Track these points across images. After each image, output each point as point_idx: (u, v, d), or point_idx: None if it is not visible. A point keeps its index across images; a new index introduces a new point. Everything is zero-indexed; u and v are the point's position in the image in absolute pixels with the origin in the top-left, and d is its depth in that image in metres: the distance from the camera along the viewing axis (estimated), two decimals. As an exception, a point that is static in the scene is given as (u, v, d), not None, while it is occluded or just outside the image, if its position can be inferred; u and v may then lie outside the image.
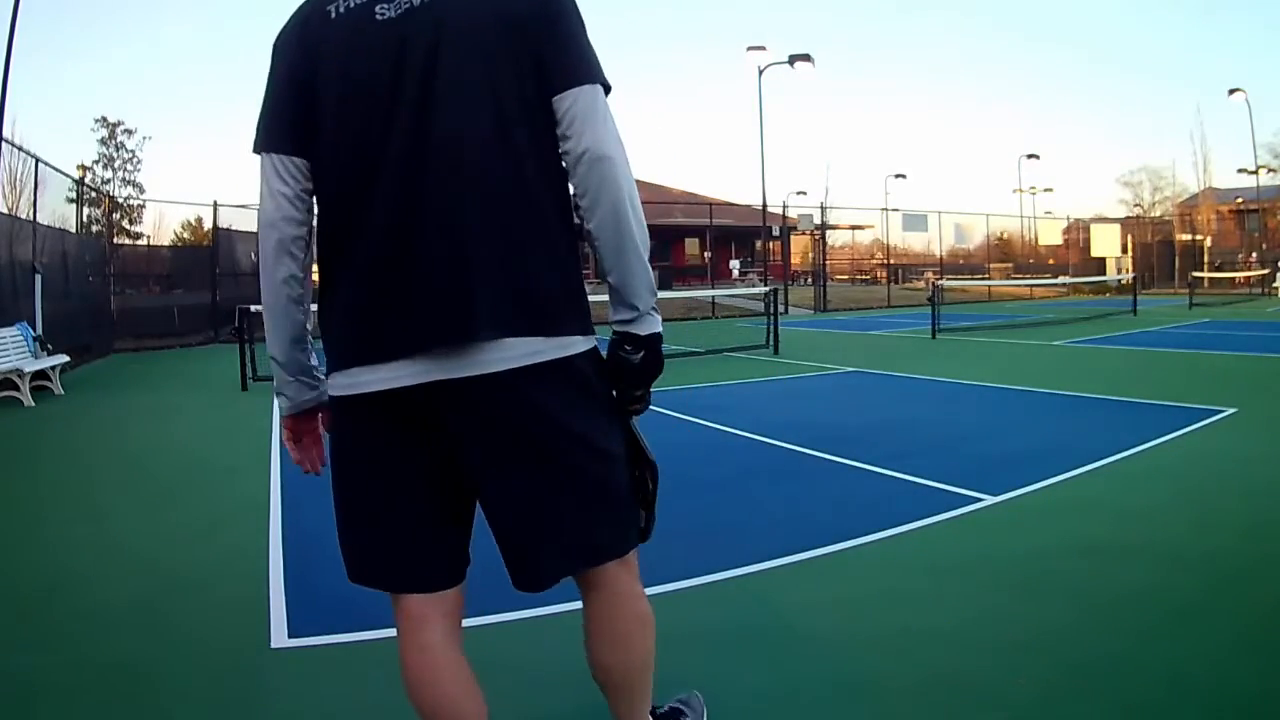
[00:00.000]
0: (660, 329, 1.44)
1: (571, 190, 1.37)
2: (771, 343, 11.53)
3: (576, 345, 1.38)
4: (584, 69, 1.35)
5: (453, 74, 1.31)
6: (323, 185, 1.39)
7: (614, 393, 1.45)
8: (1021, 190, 41.00)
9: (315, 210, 1.42)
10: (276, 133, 1.39)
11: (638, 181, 1.41)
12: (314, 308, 1.48)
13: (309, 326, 1.47)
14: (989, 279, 30.80)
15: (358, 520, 1.45)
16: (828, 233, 27.32)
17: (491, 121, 1.31)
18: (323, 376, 1.48)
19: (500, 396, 1.32)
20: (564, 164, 1.36)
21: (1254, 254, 31.16)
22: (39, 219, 11.15)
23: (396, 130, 1.31)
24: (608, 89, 1.38)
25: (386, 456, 1.39)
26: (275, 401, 1.53)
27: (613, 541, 1.46)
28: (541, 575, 1.42)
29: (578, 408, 1.38)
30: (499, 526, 1.41)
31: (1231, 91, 32.02)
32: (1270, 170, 33.73)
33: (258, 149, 1.40)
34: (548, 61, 1.33)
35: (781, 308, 12.74)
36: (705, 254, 29.46)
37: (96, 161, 29.37)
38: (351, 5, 1.35)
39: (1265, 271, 27.96)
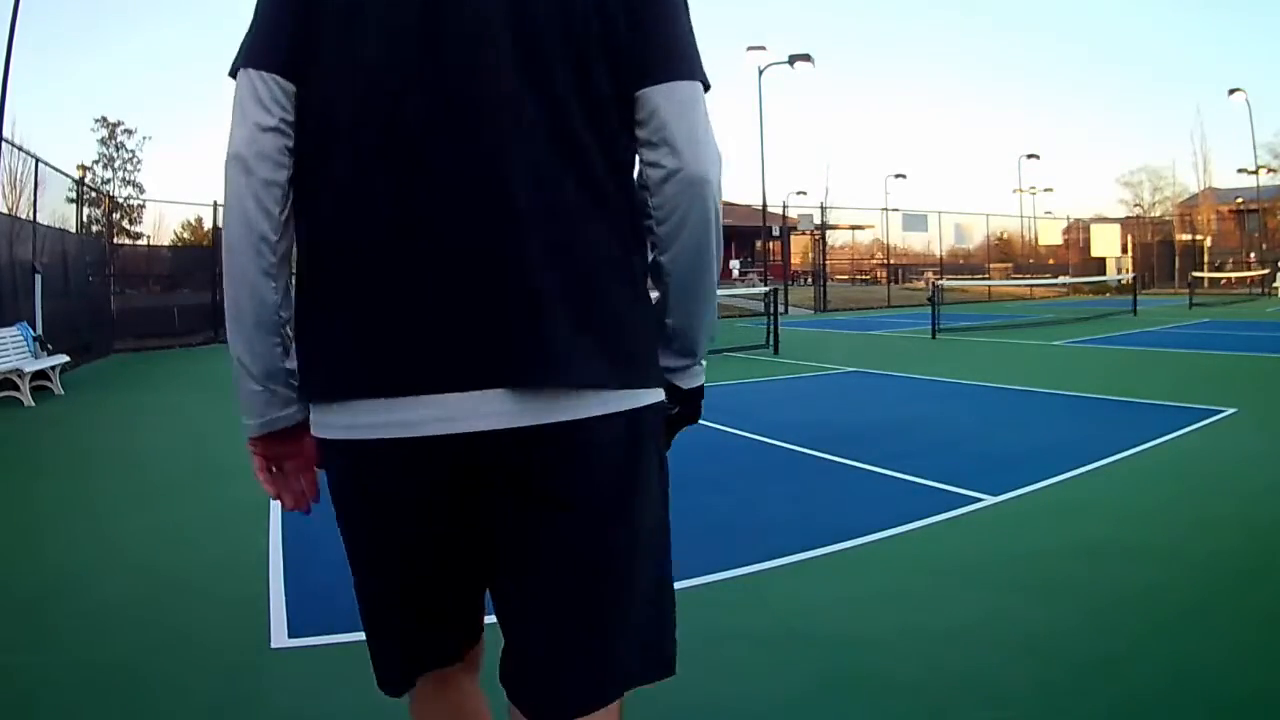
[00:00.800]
0: (703, 379, 1.21)
1: (644, 209, 1.06)
2: (771, 343, 11.54)
3: (656, 394, 1.10)
4: (684, 60, 1.05)
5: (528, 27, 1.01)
6: (313, 123, 1.04)
7: None
8: (1021, 190, 41.10)
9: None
10: (261, 44, 1.05)
11: None
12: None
13: (284, 314, 1.08)
14: (989, 279, 30.81)
15: (393, 613, 1.17)
16: (828, 233, 27.34)
17: (555, 100, 1.02)
18: None
19: (566, 450, 1.01)
20: (642, 178, 1.05)
21: (1253, 254, 31.15)
22: (39, 219, 11.16)
23: (423, 82, 1.01)
24: (707, 88, 1.08)
25: (411, 522, 1.06)
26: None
27: (652, 660, 1.13)
28: (569, 697, 1.05)
29: (651, 472, 1.09)
30: (527, 616, 1.07)
31: (1231, 91, 32.08)
32: (1270, 170, 33.76)
33: (234, 68, 1.05)
34: (632, 43, 1.03)
35: (781, 308, 12.75)
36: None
37: (96, 161, 29.39)
38: None
39: (1265, 271, 27.97)
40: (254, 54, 1.05)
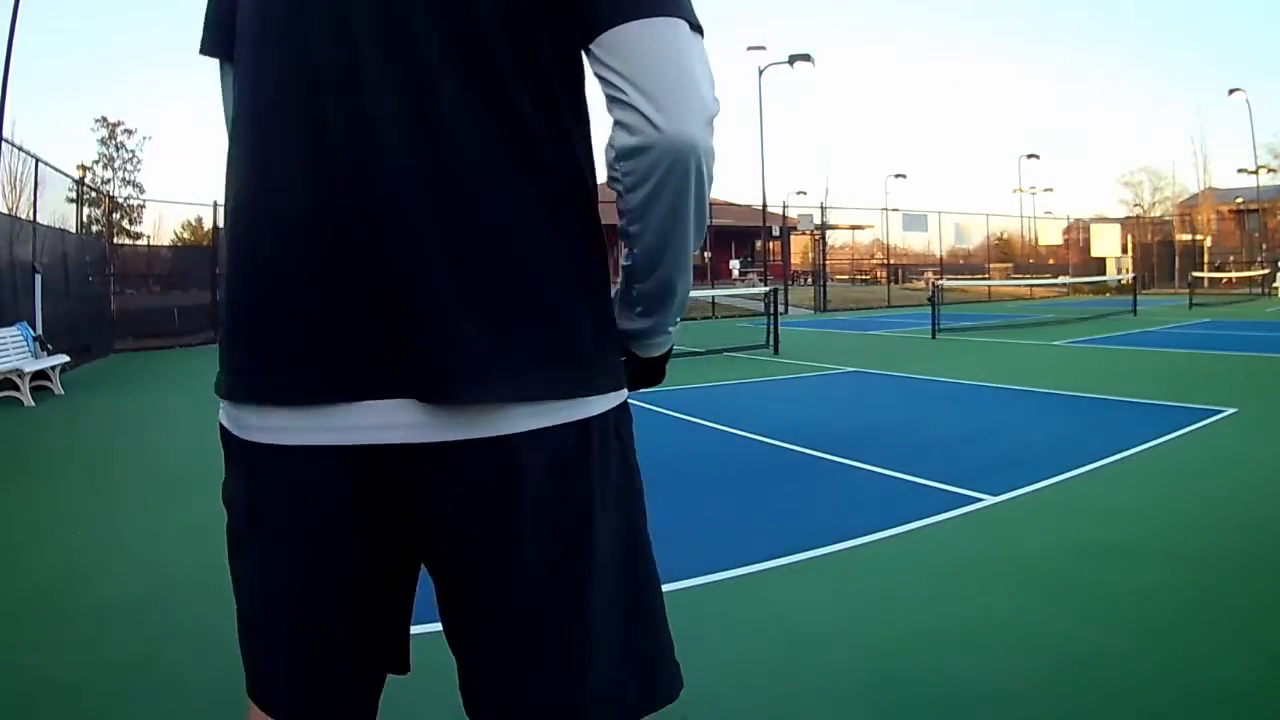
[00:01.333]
0: (672, 345, 1.05)
1: (612, 172, 0.87)
2: (771, 343, 11.53)
3: (611, 400, 0.93)
4: None
5: None
6: (238, 103, 0.95)
7: None
8: (1021, 190, 41.16)
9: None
10: (204, 27, 1.00)
11: None
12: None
13: None
14: (989, 279, 30.80)
15: (266, 627, 1.06)
16: (828, 233, 27.34)
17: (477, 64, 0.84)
18: None
19: (496, 469, 0.86)
20: (610, 138, 0.85)
21: (1261, 256, 31.12)
22: (39, 219, 11.15)
23: (333, 59, 0.86)
24: (698, 30, 0.84)
25: (316, 540, 0.94)
26: None
27: (649, 688, 0.97)
28: None
29: (607, 489, 0.92)
30: (482, 668, 0.92)
31: (1231, 91, 32.10)
32: (1270, 170, 33.80)
33: None
34: None
35: (781, 308, 12.74)
36: (705, 254, 29.45)
37: (96, 161, 29.50)
38: None
39: (1265, 271, 27.97)
40: (202, 36, 0.99)
